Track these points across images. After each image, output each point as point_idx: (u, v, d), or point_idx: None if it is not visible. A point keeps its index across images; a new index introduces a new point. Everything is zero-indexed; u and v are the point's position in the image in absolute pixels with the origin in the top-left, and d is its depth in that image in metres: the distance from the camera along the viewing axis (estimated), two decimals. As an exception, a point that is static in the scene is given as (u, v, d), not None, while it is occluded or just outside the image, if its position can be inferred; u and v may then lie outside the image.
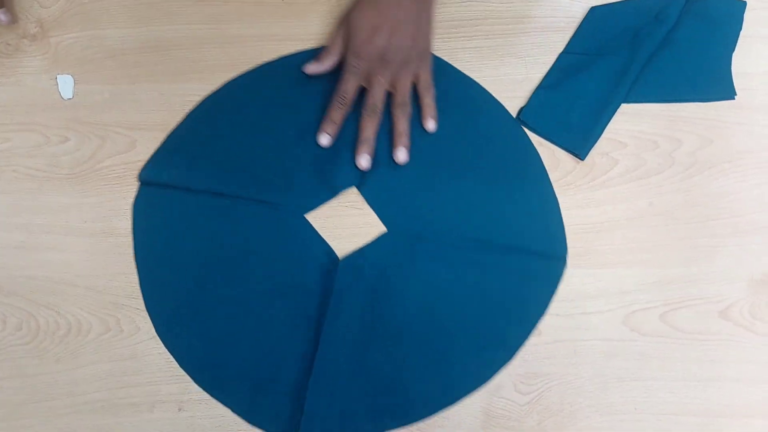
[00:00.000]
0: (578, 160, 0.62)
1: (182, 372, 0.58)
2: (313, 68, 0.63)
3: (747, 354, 0.57)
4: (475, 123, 0.63)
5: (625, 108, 0.63)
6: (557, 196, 0.61)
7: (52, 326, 0.59)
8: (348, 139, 0.62)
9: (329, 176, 0.62)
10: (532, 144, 0.62)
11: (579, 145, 0.62)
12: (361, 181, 0.62)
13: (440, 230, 0.60)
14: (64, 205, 0.63)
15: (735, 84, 0.63)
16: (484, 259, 0.59)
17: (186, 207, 0.61)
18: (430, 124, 0.61)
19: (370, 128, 0.60)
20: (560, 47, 0.66)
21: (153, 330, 0.59)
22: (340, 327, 0.57)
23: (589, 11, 0.67)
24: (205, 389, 0.57)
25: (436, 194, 0.61)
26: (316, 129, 0.62)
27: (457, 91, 0.64)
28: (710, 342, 0.57)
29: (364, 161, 0.60)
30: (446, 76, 0.64)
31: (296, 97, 0.64)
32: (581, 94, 0.63)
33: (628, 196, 0.61)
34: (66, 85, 0.66)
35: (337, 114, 0.61)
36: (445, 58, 0.65)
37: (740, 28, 0.65)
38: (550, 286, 0.59)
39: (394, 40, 0.59)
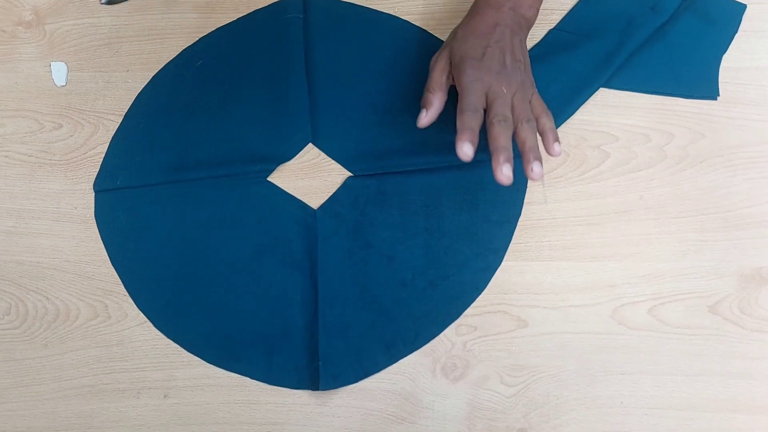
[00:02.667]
0: (569, 152, 0.62)
1: (168, 359, 0.58)
2: (426, 120, 0.56)
3: (735, 349, 0.57)
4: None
5: (617, 101, 0.63)
6: (547, 188, 0.61)
7: (40, 311, 0.60)
8: (293, 97, 0.63)
9: (282, 137, 0.63)
10: None
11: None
12: (314, 134, 0.63)
13: (402, 162, 0.62)
14: (56, 191, 0.63)
15: (728, 78, 0.63)
16: (450, 175, 0.61)
17: (149, 202, 0.62)
18: (557, 148, 0.54)
19: (503, 137, 0.52)
20: (553, 24, 0.66)
21: (140, 316, 0.59)
22: (334, 269, 0.59)
23: None
24: (220, 366, 0.58)
25: (392, 128, 0.63)
26: (255, 94, 0.64)
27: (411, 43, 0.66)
28: (698, 336, 0.57)
29: (506, 170, 0.51)
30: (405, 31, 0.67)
31: (226, 68, 0.65)
32: (562, 71, 0.63)
33: (618, 189, 0.61)
34: (59, 72, 0.66)
35: (473, 121, 0.52)
36: (418, 10, 0.67)
37: (736, 31, 0.64)
38: (519, 184, 0.60)
39: (506, 59, 0.55)
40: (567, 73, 0.63)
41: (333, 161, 0.63)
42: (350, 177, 0.62)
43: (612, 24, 0.65)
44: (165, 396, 0.57)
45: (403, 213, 0.61)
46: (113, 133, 0.64)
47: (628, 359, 0.57)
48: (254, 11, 0.67)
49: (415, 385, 0.57)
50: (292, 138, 0.63)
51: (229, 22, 0.67)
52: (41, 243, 0.61)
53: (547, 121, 0.55)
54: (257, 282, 0.59)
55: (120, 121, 0.64)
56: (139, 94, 0.65)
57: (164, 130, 0.64)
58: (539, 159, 0.53)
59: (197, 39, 0.67)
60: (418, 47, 0.66)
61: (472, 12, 0.59)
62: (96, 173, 0.63)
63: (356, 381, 0.57)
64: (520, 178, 0.60)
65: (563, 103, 0.63)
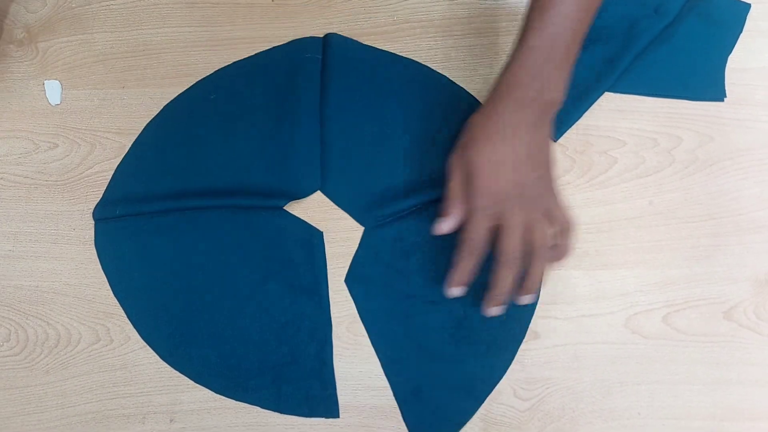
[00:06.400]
0: (575, 158, 0.61)
1: (174, 382, 0.57)
2: (445, 227, 0.54)
3: (752, 356, 0.56)
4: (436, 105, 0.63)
5: (623, 105, 0.62)
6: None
7: (41, 336, 0.58)
8: (304, 139, 0.61)
9: (291, 179, 0.61)
10: None
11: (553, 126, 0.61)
12: (324, 179, 0.61)
13: (410, 203, 0.60)
14: (53, 213, 0.61)
15: (734, 79, 0.62)
16: None
17: (150, 230, 0.60)
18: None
19: (508, 280, 0.52)
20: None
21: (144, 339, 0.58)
22: (387, 337, 0.57)
23: None
24: (227, 396, 0.57)
25: (402, 175, 0.61)
26: (267, 131, 0.62)
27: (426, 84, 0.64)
28: (714, 344, 0.56)
29: (494, 311, 0.54)
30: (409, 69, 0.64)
31: (240, 103, 0.63)
32: None
33: (627, 195, 0.60)
34: (53, 90, 0.65)
35: (468, 264, 0.53)
36: (438, 58, 0.64)
37: (741, 31, 0.63)
38: None
39: (522, 175, 0.53)
40: (571, 78, 0.62)
41: (342, 211, 0.61)
42: (364, 234, 0.60)
43: (615, 28, 0.64)
44: (171, 420, 0.56)
45: (425, 252, 0.58)
46: (110, 151, 0.63)
47: (643, 369, 0.56)
48: (273, 48, 0.65)
49: (427, 402, 0.56)
50: (301, 182, 0.61)
51: (247, 57, 0.65)
52: (40, 266, 0.60)
53: (565, 237, 0.54)
54: (263, 309, 0.58)
55: (116, 138, 0.63)
56: (148, 123, 0.63)
57: (170, 160, 0.62)
58: (532, 293, 0.53)
59: (192, 53, 0.65)
60: (437, 95, 0.63)
61: (493, 101, 0.54)
62: (94, 193, 0.62)
63: None
64: None
65: (566, 110, 0.61)
